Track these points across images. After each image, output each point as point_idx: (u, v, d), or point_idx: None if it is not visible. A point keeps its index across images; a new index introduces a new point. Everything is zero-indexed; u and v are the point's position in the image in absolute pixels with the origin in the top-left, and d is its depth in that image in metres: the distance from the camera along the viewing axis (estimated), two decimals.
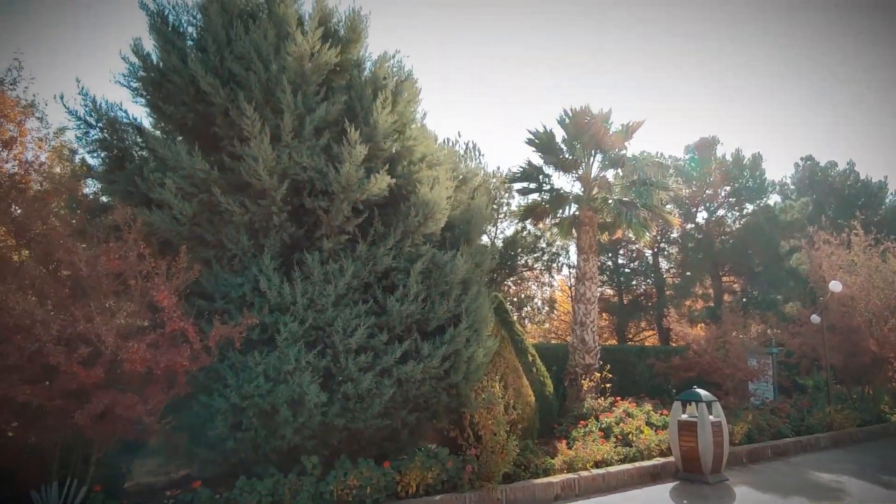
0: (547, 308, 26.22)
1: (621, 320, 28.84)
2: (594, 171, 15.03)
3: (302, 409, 6.30)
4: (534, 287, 27.16)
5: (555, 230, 15.91)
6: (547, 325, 29.23)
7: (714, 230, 30.44)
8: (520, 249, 22.09)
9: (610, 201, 14.57)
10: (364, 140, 7.13)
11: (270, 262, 6.42)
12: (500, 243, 21.64)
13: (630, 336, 29.36)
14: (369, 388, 6.53)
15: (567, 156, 14.66)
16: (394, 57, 8.12)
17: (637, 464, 9.47)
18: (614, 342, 29.30)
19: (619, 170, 14.95)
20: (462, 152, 20.00)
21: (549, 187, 14.74)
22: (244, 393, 6.16)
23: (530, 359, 12.25)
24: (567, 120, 14.63)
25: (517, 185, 15.53)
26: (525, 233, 22.13)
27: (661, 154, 31.64)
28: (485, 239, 21.28)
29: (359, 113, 7.26)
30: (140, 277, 6.02)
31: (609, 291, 30.50)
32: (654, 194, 14.75)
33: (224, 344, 6.34)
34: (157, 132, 7.58)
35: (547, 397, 12.12)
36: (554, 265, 24.98)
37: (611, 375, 13.82)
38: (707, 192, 30.58)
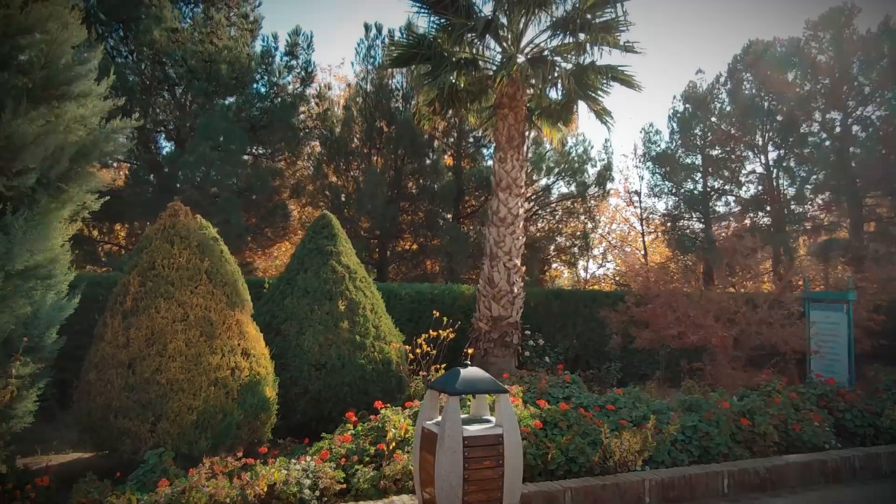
0: (578, 245, 20.46)
1: (711, 261, 21.98)
2: (518, 26, 9.64)
3: None
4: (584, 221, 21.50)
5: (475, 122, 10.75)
6: (606, 269, 23.37)
7: (851, 135, 22.01)
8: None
9: (521, 60, 9.15)
10: None
11: None
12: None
13: (720, 283, 22.35)
14: None
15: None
16: None
17: None
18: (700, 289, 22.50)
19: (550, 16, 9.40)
20: None
21: (429, 53, 9.56)
22: None
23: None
24: None
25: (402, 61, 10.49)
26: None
27: (776, 38, 23.35)
28: None
29: None
30: None
31: (694, 225, 23.59)
32: (601, 43, 9.08)
33: None
34: None
35: (362, 367, 7.71)
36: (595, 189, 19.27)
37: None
38: (843, 85, 22.22)
